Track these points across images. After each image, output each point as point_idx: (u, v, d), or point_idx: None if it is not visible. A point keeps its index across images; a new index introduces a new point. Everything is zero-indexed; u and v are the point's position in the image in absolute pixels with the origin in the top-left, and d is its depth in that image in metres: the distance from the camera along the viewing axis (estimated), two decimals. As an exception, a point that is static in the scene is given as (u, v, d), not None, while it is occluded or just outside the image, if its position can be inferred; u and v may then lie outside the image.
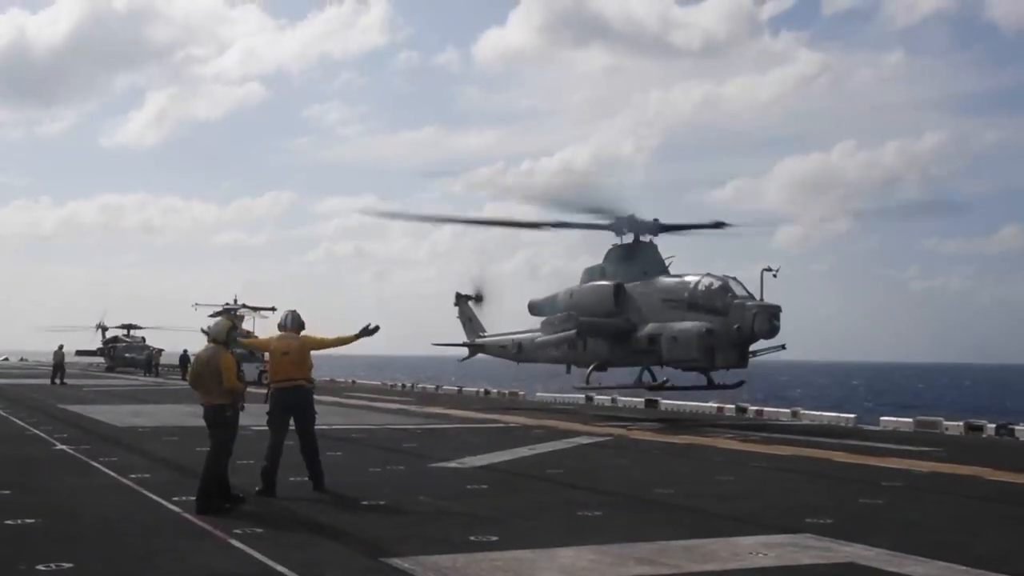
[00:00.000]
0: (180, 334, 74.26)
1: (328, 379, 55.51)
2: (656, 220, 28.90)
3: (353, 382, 54.53)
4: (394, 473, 14.03)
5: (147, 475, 13.05)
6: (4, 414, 25.11)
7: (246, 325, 57.43)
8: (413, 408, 30.68)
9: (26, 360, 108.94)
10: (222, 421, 10.81)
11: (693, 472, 14.97)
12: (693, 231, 29.19)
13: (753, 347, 26.05)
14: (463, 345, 37.20)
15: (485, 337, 36.23)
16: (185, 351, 62.89)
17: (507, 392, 43.01)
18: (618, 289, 28.04)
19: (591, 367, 29.00)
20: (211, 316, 62.82)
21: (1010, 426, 23.57)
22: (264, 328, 56.73)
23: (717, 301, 25.53)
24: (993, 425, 23.90)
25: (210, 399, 10.83)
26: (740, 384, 27.76)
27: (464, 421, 25.35)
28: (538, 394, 42.56)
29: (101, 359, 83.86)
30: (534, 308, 31.35)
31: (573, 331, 28.65)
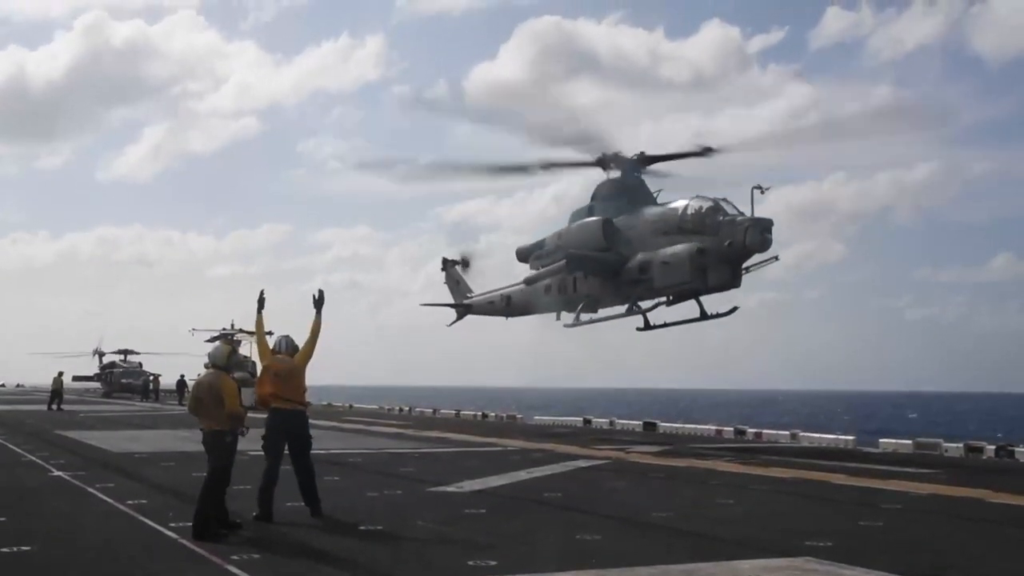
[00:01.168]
0: (177, 359, 74.37)
1: (325, 403, 55.41)
2: (642, 153, 28.40)
3: (350, 406, 54.41)
4: (391, 498, 13.97)
5: (144, 501, 12.99)
6: (0, 440, 25.00)
7: (243, 350, 57.40)
8: (410, 432, 30.60)
9: (23, 386, 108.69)
10: (221, 446, 10.77)
11: (692, 495, 14.91)
12: (681, 159, 28.45)
13: (746, 263, 25.54)
14: (451, 306, 36.80)
15: (473, 297, 35.87)
16: (182, 376, 62.88)
17: (504, 415, 42.96)
18: (606, 224, 27.57)
19: (581, 304, 28.46)
20: (208, 341, 62.97)
21: (1010, 448, 23.53)
22: (261, 353, 56.63)
23: (707, 220, 25.08)
24: (993, 447, 23.85)
25: (210, 424, 10.79)
26: (733, 310, 27.12)
27: (462, 445, 25.27)
28: (536, 417, 42.49)
29: (98, 384, 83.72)
30: (522, 254, 30.62)
31: (562, 261, 28.05)
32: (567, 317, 29.82)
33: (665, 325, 27.94)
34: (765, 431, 30.42)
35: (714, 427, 32.83)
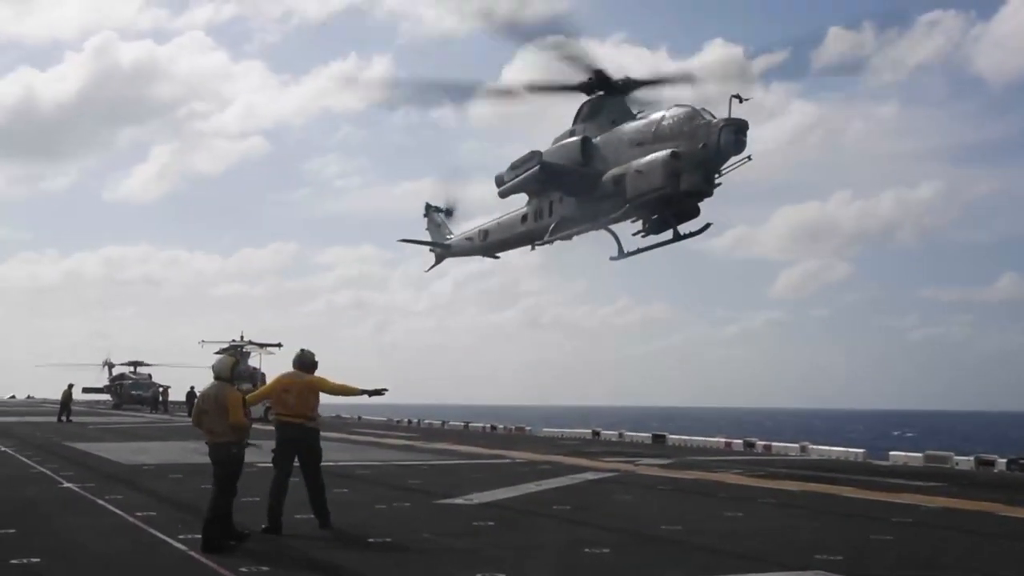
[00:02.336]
0: (187, 372, 74.50)
1: (334, 415, 55.43)
2: (627, 77, 27.96)
3: (359, 418, 54.42)
4: (400, 510, 13.95)
5: (153, 513, 12.99)
6: (10, 452, 25.08)
7: (252, 361, 57.51)
8: (419, 444, 30.58)
9: (33, 398, 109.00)
10: (227, 459, 10.77)
11: (701, 508, 14.86)
12: (666, 85, 27.72)
13: (724, 167, 24.92)
14: (430, 244, 36.49)
15: (451, 238, 35.65)
16: (192, 388, 62.98)
17: (513, 427, 42.92)
18: (585, 142, 27.29)
19: (553, 224, 28.20)
20: (217, 353, 63.09)
21: (1021, 461, 23.40)
22: (269, 363, 56.78)
23: (684, 127, 24.73)
24: (1004, 460, 23.72)
25: (215, 437, 10.80)
26: (706, 227, 26.53)
27: (470, 457, 25.23)
28: (544, 429, 42.45)
29: (107, 396, 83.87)
30: (501, 180, 29.95)
31: (536, 168, 27.70)
32: (541, 250, 29.70)
33: (639, 251, 27.51)
34: (774, 444, 30.33)
35: (723, 440, 32.74)
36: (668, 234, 26.63)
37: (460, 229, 35.76)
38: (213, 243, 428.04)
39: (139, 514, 12.82)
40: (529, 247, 30.67)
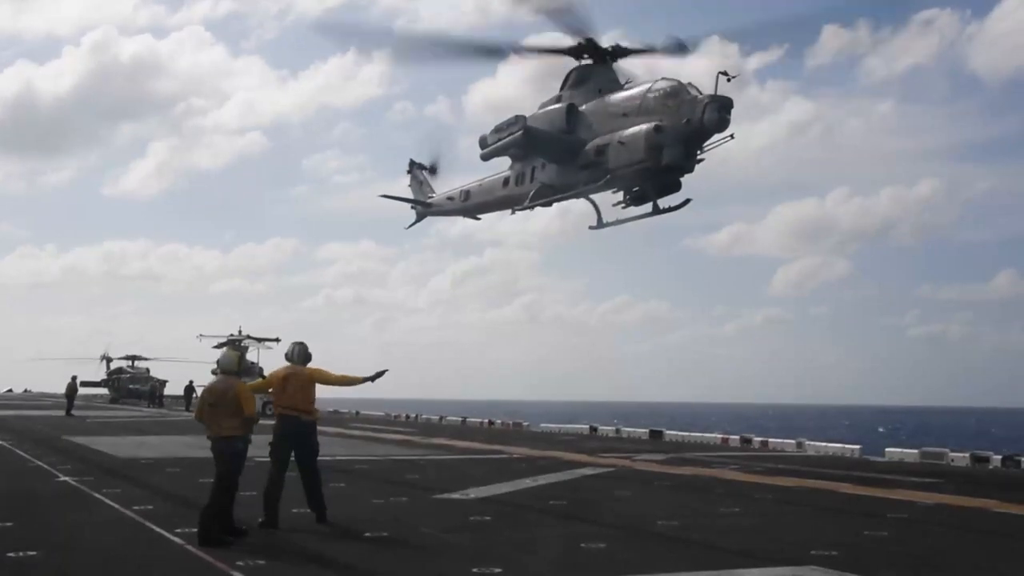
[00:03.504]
0: (185, 366, 74.42)
1: (332, 410, 55.44)
2: (617, 44, 27.85)
3: (357, 413, 54.43)
4: (397, 505, 13.98)
5: (150, 507, 13.01)
6: (8, 445, 25.08)
7: (250, 356, 57.46)
8: (416, 439, 30.61)
9: (30, 391, 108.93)
10: (232, 453, 10.77)
11: (697, 504, 14.89)
12: (655, 55, 27.63)
13: (706, 143, 24.81)
14: (411, 201, 36.35)
15: (433, 196, 35.58)
16: (191, 382, 62.96)
17: (511, 423, 42.95)
18: (571, 109, 27.13)
19: (533, 191, 28.16)
20: (215, 347, 63.01)
21: (1016, 457, 23.46)
22: (268, 358, 56.80)
23: (669, 101, 24.66)
24: (999, 457, 23.78)
25: (222, 431, 10.77)
26: (686, 203, 26.40)
27: (467, 452, 25.27)
28: (542, 425, 42.49)
29: (105, 390, 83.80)
30: (484, 142, 29.57)
31: (519, 132, 27.53)
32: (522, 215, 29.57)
33: (618, 222, 27.41)
34: (771, 440, 30.39)
35: (720, 436, 32.79)
36: (648, 207, 26.57)
37: (443, 188, 35.71)
38: (213, 239, 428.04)
39: (136, 508, 12.85)
40: (509, 211, 30.47)
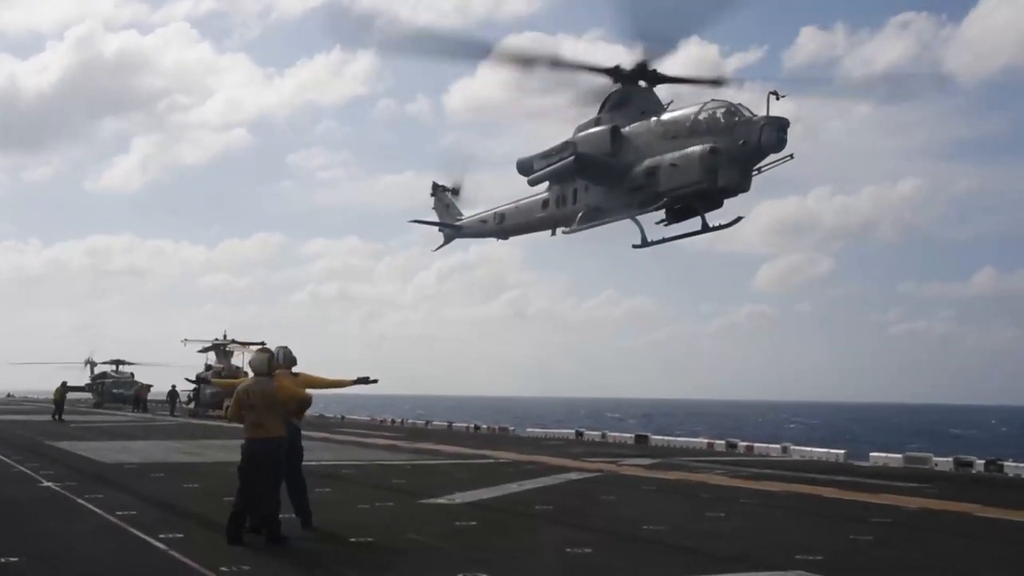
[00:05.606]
0: (169, 370, 73.98)
1: (317, 415, 55.27)
2: (655, 70, 27.60)
3: (343, 417, 54.28)
4: (383, 510, 13.95)
5: (134, 512, 12.93)
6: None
7: (235, 360, 57.29)
8: (403, 444, 30.54)
9: (13, 396, 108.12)
10: (278, 455, 10.80)
11: (683, 509, 14.91)
12: (693, 84, 27.40)
13: (760, 164, 24.80)
14: (441, 224, 36.20)
15: (463, 219, 35.43)
16: (173, 386, 62.67)
17: (497, 427, 42.93)
18: (615, 132, 27.00)
19: (580, 214, 28.01)
20: (200, 351, 62.79)
21: (999, 462, 23.60)
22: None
23: (722, 122, 24.63)
24: (982, 461, 23.92)
25: (265, 431, 10.71)
26: (737, 220, 26.35)
27: (454, 457, 25.23)
28: (528, 429, 42.48)
29: (89, 395, 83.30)
30: (523, 167, 29.59)
31: (571, 158, 27.40)
32: (561, 237, 29.38)
33: (664, 240, 27.28)
34: (756, 444, 30.46)
35: (705, 440, 32.86)
36: (695, 224, 26.42)
37: (465, 210, 35.65)
38: (198, 234, 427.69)
39: (120, 514, 12.77)
40: (549, 232, 30.32)
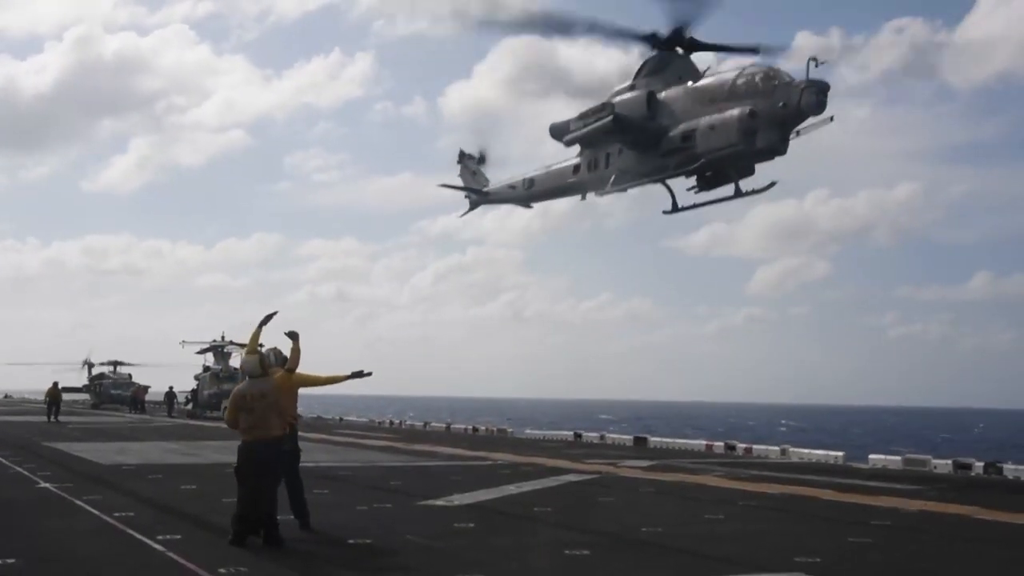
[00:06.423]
0: (167, 371, 73.93)
1: (315, 416, 55.23)
2: (692, 37, 27.48)
3: (340, 419, 54.24)
4: (381, 511, 13.92)
5: (131, 514, 12.90)
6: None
7: (233, 362, 57.19)
8: (400, 445, 30.51)
9: (10, 397, 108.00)
10: (278, 455, 10.83)
11: (682, 511, 14.90)
12: (727, 53, 27.62)
13: (800, 126, 24.74)
14: (469, 190, 36.33)
15: (490, 185, 35.54)
16: (171, 388, 62.57)
17: (495, 429, 42.90)
18: (651, 96, 27.01)
19: (612, 178, 27.97)
20: (198, 353, 62.68)
21: (998, 464, 23.59)
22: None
23: (761, 85, 24.63)
24: (981, 464, 23.91)
25: (266, 432, 10.72)
26: (771, 185, 26.25)
27: (451, 458, 25.20)
28: (526, 431, 42.45)
29: (86, 396, 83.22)
30: (557, 130, 29.58)
31: (608, 118, 27.36)
32: (592, 198, 29.53)
33: (695, 206, 27.33)
34: (755, 446, 30.43)
35: (704, 442, 32.83)
36: (728, 190, 26.39)
37: (493, 178, 35.71)
38: (195, 234, 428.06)
39: (118, 515, 12.74)
40: (579, 197, 30.40)
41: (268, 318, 12.24)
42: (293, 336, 12.03)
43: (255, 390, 10.90)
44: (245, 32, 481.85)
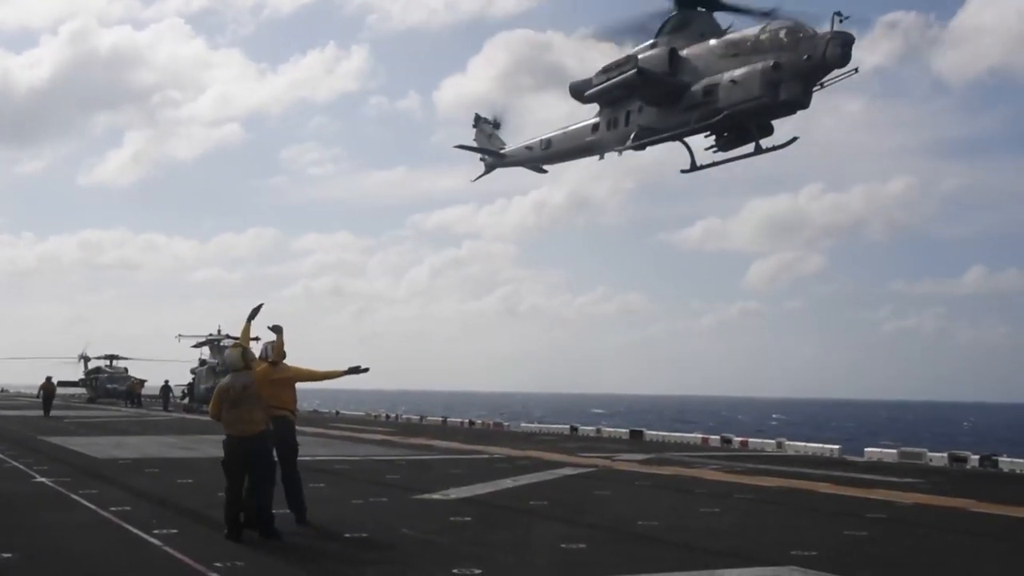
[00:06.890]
0: (163, 365, 73.88)
1: (312, 410, 55.24)
2: None
3: (337, 412, 54.23)
4: (377, 505, 13.93)
5: (128, 508, 12.90)
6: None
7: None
8: (397, 439, 30.52)
9: (7, 391, 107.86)
10: (266, 449, 10.86)
11: (678, 504, 14.92)
12: (745, 15, 27.43)
13: (825, 78, 24.75)
14: (485, 151, 36.31)
15: (506, 148, 35.48)
16: (166, 382, 62.55)
17: (491, 422, 42.93)
18: (673, 53, 26.98)
19: (632, 135, 27.86)
20: (194, 347, 62.63)
21: (994, 457, 23.64)
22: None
23: (786, 38, 24.60)
24: (977, 456, 23.96)
25: (253, 426, 10.75)
26: (792, 141, 26.21)
27: (448, 452, 25.22)
28: (522, 425, 42.50)
29: (83, 390, 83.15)
30: (578, 88, 29.49)
31: (632, 72, 27.34)
32: (611, 156, 29.62)
33: (713, 164, 27.24)
34: (751, 440, 30.49)
35: (700, 435, 32.88)
36: (748, 147, 26.34)
37: (509, 142, 35.62)
38: (191, 228, 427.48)
39: (114, 509, 12.74)
40: (597, 157, 30.36)
41: (256, 311, 12.30)
42: (277, 330, 12.08)
43: (238, 384, 10.92)
44: (240, 26, 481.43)
